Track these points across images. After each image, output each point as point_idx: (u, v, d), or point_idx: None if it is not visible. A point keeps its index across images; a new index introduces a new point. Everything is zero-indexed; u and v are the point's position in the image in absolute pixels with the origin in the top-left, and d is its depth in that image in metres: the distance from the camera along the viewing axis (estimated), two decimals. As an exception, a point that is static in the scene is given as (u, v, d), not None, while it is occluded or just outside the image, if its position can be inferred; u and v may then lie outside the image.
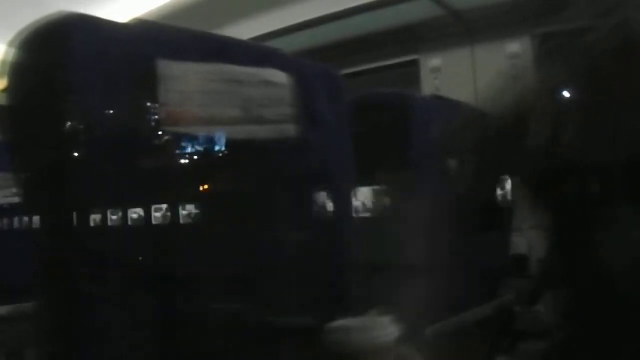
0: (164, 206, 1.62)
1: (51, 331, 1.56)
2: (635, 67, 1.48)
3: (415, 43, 4.14)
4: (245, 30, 3.56)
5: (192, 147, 1.55)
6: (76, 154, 1.41)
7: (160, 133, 1.46)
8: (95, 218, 1.49)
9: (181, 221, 1.62)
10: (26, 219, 2.10)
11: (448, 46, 3.99)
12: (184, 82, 1.43)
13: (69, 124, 1.41)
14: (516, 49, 3.75)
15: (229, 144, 1.58)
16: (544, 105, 1.60)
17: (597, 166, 1.55)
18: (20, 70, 1.53)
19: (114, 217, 1.53)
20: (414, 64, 4.17)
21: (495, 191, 2.13)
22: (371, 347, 1.27)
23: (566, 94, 1.62)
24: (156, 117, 1.42)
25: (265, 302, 1.59)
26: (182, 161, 1.57)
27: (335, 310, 1.35)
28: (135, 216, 1.56)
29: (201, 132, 1.48)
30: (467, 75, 3.79)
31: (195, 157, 1.58)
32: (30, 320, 1.72)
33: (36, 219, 1.81)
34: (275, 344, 1.57)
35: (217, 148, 1.58)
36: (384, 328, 1.29)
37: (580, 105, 1.56)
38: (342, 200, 1.80)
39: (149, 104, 1.43)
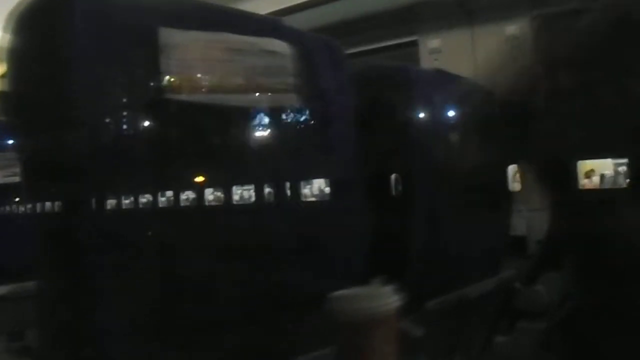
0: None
1: (54, 311, 1.57)
2: (629, 45, 1.48)
3: (415, 24, 4.14)
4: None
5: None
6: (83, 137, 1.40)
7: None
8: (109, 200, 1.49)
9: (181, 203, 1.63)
10: (26, 200, 2.10)
11: (447, 27, 4.00)
12: (186, 50, 1.43)
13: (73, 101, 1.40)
14: (515, 31, 3.75)
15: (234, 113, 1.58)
16: (542, 87, 1.61)
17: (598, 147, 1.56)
18: (21, 47, 1.53)
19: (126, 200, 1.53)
20: (414, 44, 4.19)
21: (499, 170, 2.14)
22: (374, 315, 1.27)
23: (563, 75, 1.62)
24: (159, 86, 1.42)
25: (270, 271, 1.59)
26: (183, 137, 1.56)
27: (339, 279, 1.35)
28: (144, 200, 1.57)
29: (203, 100, 1.47)
30: (466, 56, 3.79)
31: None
32: (31, 299, 1.72)
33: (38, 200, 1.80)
34: (279, 312, 1.57)
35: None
36: (387, 297, 1.29)
37: (577, 85, 1.56)
38: (345, 170, 1.80)
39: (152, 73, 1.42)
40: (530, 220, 3.30)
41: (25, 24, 1.51)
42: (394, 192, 2.18)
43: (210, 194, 1.63)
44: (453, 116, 2.35)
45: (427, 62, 4.03)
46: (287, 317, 1.59)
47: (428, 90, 2.21)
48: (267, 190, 1.69)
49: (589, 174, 1.79)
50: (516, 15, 3.72)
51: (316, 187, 1.81)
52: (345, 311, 1.28)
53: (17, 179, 2.72)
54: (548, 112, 1.60)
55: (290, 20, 1.81)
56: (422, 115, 2.18)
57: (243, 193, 1.67)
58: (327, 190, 1.81)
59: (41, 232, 1.67)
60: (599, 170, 1.80)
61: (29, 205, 1.88)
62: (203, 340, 1.46)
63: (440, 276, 2.12)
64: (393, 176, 2.17)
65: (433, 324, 1.93)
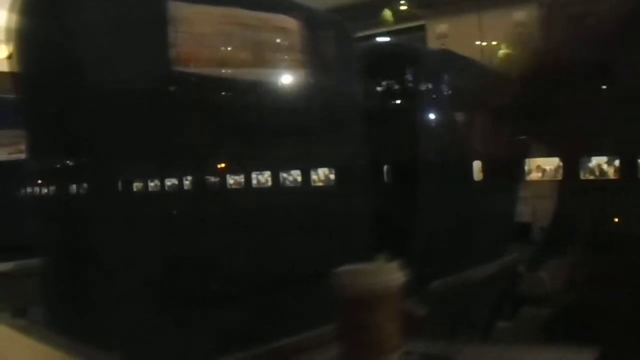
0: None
1: (58, 286, 1.58)
2: None
3: (423, 8, 4.13)
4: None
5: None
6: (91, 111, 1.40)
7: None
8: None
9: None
10: (32, 176, 2.11)
11: (455, 12, 3.98)
12: (195, 24, 1.43)
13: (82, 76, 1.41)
14: (522, 17, 3.74)
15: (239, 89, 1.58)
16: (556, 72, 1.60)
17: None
18: (28, 26, 1.53)
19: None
20: (421, 29, 4.18)
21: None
22: (377, 291, 1.27)
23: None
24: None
25: (273, 249, 1.60)
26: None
27: (343, 255, 1.35)
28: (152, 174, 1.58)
29: (211, 73, 1.47)
30: (473, 42, 3.78)
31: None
32: (34, 276, 1.73)
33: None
34: (283, 289, 1.58)
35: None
36: (391, 273, 1.29)
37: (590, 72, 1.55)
38: (352, 152, 1.81)
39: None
40: (536, 207, 3.30)
41: (33, 2, 1.51)
42: (386, 180, 2.19)
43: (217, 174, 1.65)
44: (459, 99, 2.34)
45: (434, 46, 4.03)
46: (291, 294, 1.60)
47: (434, 68, 2.22)
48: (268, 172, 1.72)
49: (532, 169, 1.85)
50: (524, 1, 3.70)
51: (321, 171, 1.82)
52: (349, 286, 1.28)
53: (22, 156, 2.73)
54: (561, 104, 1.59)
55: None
56: (427, 97, 2.18)
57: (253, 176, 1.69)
58: (333, 173, 1.82)
59: (46, 207, 1.68)
60: (544, 165, 1.86)
61: (34, 182, 1.89)
62: (207, 314, 1.47)
63: (444, 258, 2.13)
64: (385, 167, 2.18)
65: (436, 304, 1.93)
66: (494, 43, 3.44)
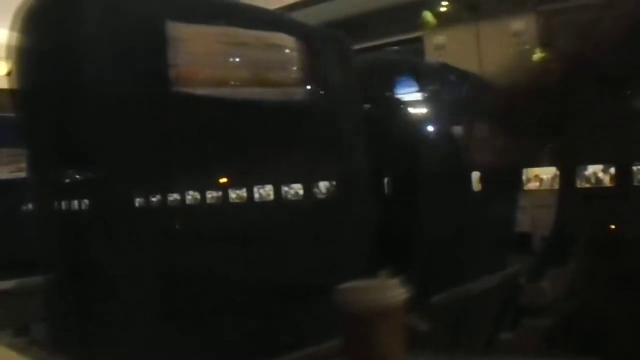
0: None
1: (63, 307, 1.58)
2: None
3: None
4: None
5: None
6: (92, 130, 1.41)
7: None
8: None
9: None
10: (32, 194, 2.12)
11: (452, 23, 4.00)
12: (193, 43, 1.44)
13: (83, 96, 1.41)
14: (520, 27, 3.74)
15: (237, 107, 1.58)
16: (557, 81, 1.60)
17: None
18: (29, 44, 1.54)
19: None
20: (419, 40, 4.20)
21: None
22: (380, 307, 1.27)
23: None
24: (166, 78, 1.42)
25: (276, 263, 1.60)
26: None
27: (345, 271, 1.36)
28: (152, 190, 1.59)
29: (209, 93, 1.48)
30: (471, 52, 3.79)
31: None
32: (36, 294, 1.73)
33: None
34: (284, 304, 1.58)
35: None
36: (394, 289, 1.29)
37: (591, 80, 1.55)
38: (349, 162, 1.81)
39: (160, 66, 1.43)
40: (536, 216, 3.30)
41: (34, 21, 1.52)
42: (387, 192, 2.19)
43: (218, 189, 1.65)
44: (457, 111, 2.35)
45: (432, 58, 4.04)
46: (295, 308, 1.60)
47: (433, 82, 2.22)
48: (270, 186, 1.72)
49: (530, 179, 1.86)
50: (521, 11, 3.71)
51: (322, 185, 1.83)
52: (352, 303, 1.28)
53: (22, 174, 2.73)
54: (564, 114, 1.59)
55: (296, 16, 1.82)
56: (426, 109, 2.19)
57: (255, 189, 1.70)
58: (334, 187, 1.82)
59: (48, 223, 1.68)
60: (541, 175, 1.86)
61: (35, 198, 1.89)
62: (210, 330, 1.47)
63: (446, 271, 2.13)
64: (386, 180, 2.19)
65: (438, 318, 1.93)
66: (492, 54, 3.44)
